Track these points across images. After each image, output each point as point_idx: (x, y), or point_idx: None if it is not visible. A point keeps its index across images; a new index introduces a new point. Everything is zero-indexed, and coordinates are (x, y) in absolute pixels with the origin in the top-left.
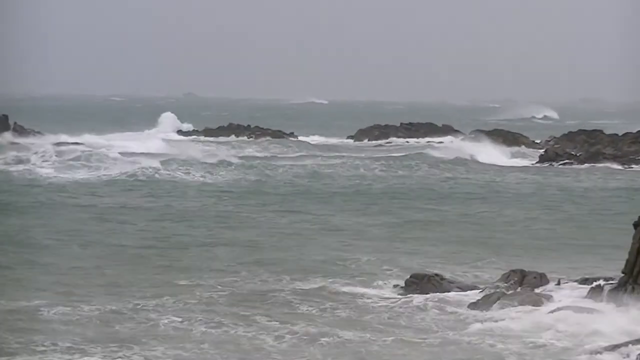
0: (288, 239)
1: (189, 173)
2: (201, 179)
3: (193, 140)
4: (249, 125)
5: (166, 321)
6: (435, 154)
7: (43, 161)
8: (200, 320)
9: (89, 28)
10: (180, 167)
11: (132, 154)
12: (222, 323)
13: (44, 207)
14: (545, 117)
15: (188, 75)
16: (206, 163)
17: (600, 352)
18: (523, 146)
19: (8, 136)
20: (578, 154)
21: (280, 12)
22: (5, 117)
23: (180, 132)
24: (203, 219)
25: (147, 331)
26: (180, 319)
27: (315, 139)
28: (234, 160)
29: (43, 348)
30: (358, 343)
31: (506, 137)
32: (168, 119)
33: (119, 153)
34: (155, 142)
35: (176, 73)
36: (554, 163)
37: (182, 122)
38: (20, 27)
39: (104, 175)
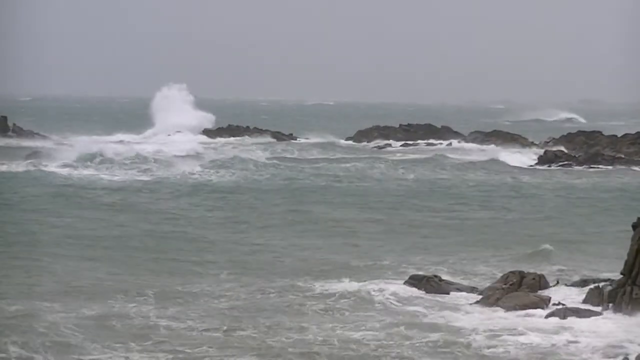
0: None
1: (232, 174)
2: (240, 178)
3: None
4: (247, 127)
5: (168, 322)
6: (451, 155)
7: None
8: (208, 321)
9: (83, 29)
10: (217, 169)
11: (171, 155)
12: (226, 324)
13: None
14: (556, 120)
15: (186, 76)
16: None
17: (599, 354)
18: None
19: (6, 137)
20: (577, 155)
21: (283, 12)
22: (4, 118)
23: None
24: (224, 220)
25: (149, 332)
26: (184, 320)
27: (314, 140)
28: (266, 161)
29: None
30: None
31: (505, 138)
32: (175, 90)
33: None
34: (188, 145)
35: (174, 74)
36: (552, 164)
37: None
38: (19, 28)
39: (155, 177)
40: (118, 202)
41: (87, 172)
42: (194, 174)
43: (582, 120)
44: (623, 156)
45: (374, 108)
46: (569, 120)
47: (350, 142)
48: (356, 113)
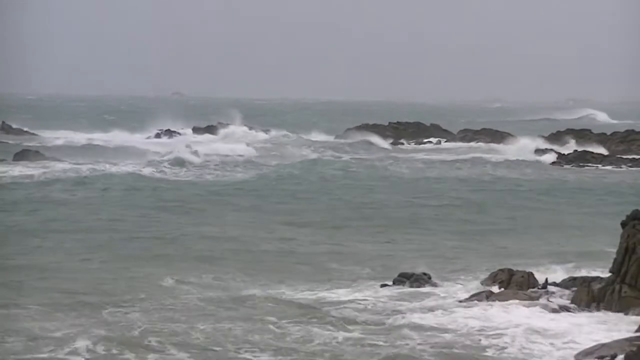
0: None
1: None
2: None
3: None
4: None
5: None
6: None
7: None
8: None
9: (73, 28)
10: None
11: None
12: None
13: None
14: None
15: (176, 74)
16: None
17: (588, 352)
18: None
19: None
20: (567, 153)
21: (277, 12)
22: None
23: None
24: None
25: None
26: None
27: (306, 137)
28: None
29: None
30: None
31: (494, 136)
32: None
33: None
34: (240, 146)
35: (164, 72)
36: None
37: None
38: (30, 29)
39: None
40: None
41: (187, 174)
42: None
43: (612, 120)
44: (612, 154)
45: (364, 106)
46: (586, 119)
47: (339, 140)
48: (345, 111)
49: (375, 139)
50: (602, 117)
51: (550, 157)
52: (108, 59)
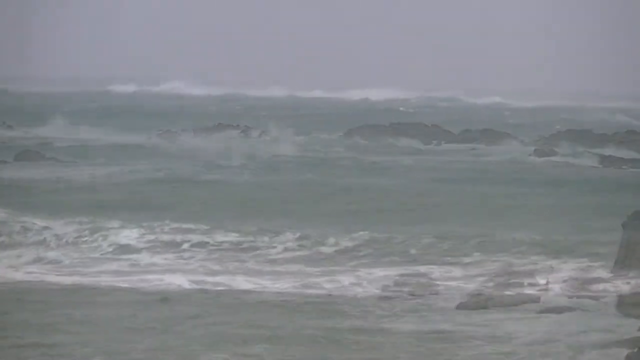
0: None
1: None
2: None
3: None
4: (237, 125)
5: None
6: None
7: None
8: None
9: (72, 26)
10: None
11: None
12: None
13: None
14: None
15: (178, 73)
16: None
17: (587, 352)
18: None
19: None
20: (568, 154)
21: (277, 10)
22: None
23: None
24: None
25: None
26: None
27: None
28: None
29: None
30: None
31: (495, 136)
32: None
33: None
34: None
35: (165, 71)
36: None
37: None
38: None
39: None
40: None
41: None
42: None
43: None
44: (612, 155)
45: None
46: None
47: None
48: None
49: (406, 140)
50: (620, 118)
51: (551, 158)
52: (108, 58)
